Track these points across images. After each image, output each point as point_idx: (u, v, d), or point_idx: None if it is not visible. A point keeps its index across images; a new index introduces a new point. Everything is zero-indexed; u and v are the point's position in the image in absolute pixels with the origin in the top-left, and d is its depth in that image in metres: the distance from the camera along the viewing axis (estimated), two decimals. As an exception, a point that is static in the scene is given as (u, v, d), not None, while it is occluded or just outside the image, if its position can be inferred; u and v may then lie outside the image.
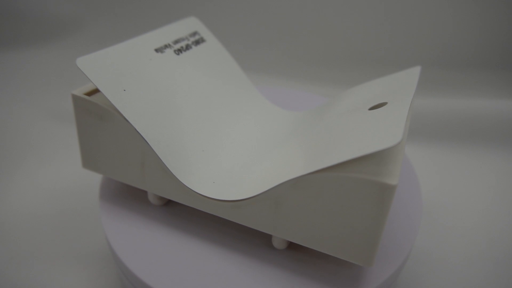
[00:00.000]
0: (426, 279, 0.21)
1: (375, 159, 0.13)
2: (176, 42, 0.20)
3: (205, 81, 0.20)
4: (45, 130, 0.33)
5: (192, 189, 0.15)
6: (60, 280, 0.21)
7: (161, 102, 0.17)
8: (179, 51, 0.20)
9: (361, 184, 0.12)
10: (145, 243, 0.16)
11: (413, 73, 0.17)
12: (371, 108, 0.15)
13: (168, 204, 0.18)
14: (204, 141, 0.17)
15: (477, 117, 0.34)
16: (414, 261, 0.22)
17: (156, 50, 0.19)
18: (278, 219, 0.14)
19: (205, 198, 0.15)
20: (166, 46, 0.19)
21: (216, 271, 0.15)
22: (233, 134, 0.19)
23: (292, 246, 0.16)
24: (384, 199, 0.12)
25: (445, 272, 0.22)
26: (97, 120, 0.16)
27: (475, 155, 0.32)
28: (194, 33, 0.21)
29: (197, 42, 0.21)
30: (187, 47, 0.20)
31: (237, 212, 0.15)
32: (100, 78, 0.15)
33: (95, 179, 0.27)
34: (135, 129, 0.15)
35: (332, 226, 0.13)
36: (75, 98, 0.16)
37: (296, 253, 0.16)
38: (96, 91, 0.17)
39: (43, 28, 0.48)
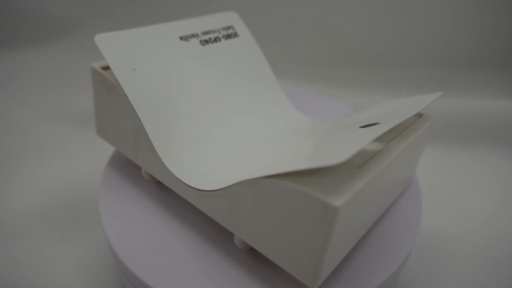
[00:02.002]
0: (426, 279, 0.21)
1: (343, 175, 0.12)
2: (205, 33, 0.20)
3: (223, 74, 0.20)
4: (45, 130, 0.33)
5: (171, 171, 0.16)
6: (60, 280, 0.21)
7: (168, 87, 0.17)
8: (205, 42, 0.20)
9: (305, 198, 0.11)
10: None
11: (428, 98, 0.16)
12: (362, 127, 0.14)
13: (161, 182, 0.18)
14: (202, 131, 0.18)
15: (477, 117, 0.34)
16: (414, 261, 0.22)
17: (181, 38, 0.19)
18: (236, 217, 0.14)
19: (180, 182, 0.16)
20: (192, 36, 0.19)
21: (185, 265, 0.15)
22: (236, 129, 0.19)
23: None
24: (326, 220, 0.11)
25: (445, 272, 0.22)
26: (106, 93, 0.18)
27: (475, 155, 0.32)
28: (228, 27, 0.21)
29: (228, 36, 0.20)
30: (216, 40, 0.20)
31: (203, 202, 0.15)
32: (112, 55, 0.17)
33: (95, 179, 0.27)
34: (132, 105, 0.16)
35: (280, 236, 0.13)
36: (93, 70, 0.18)
37: None
38: None
39: (43, 28, 0.48)
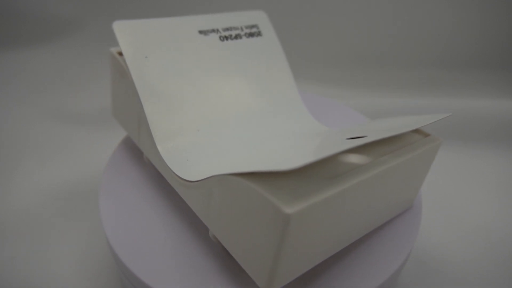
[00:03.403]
0: (426, 279, 0.21)
1: (314, 183, 0.12)
2: (226, 29, 0.20)
3: (237, 71, 0.19)
4: (45, 130, 0.33)
5: (163, 157, 0.16)
6: (60, 280, 0.21)
7: (177, 77, 0.18)
8: (225, 38, 0.19)
9: (262, 200, 0.11)
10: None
11: (432, 118, 0.15)
12: (349, 138, 0.14)
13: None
14: (204, 124, 0.18)
15: (477, 117, 0.34)
16: (414, 261, 0.22)
17: (200, 32, 0.19)
18: (209, 209, 0.14)
19: (168, 169, 0.16)
20: (213, 31, 0.19)
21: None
22: (240, 126, 0.18)
23: None
24: (279, 226, 0.11)
25: (445, 273, 0.22)
26: (119, 77, 0.18)
27: (475, 155, 0.32)
28: (253, 26, 0.21)
29: (250, 35, 0.20)
30: (236, 37, 0.20)
31: (186, 193, 0.15)
32: (126, 41, 0.17)
33: (95, 179, 0.27)
34: (136, 90, 0.17)
35: (241, 235, 0.13)
36: (111, 54, 0.19)
37: None
38: None
39: (43, 28, 0.48)
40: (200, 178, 0.14)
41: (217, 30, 0.19)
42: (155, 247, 0.16)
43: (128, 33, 0.17)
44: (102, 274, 0.21)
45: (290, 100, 0.21)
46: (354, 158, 0.14)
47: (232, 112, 0.19)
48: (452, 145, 0.33)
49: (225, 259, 0.15)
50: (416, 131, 0.16)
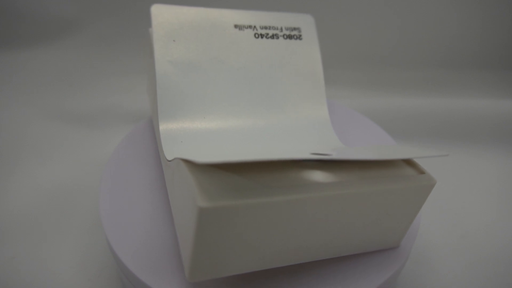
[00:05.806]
0: (426, 279, 0.21)
1: (256, 187, 0.11)
2: (264, 27, 0.20)
3: (263, 70, 0.19)
4: (45, 130, 0.33)
5: (160, 134, 0.17)
6: (60, 280, 0.21)
7: (199, 64, 0.18)
8: (260, 35, 0.19)
9: (191, 190, 0.11)
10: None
11: (425, 152, 0.14)
12: (313, 153, 0.13)
13: None
14: (212, 112, 0.18)
15: (477, 117, 0.34)
16: (414, 261, 0.22)
17: (236, 26, 0.19)
18: (172, 190, 0.14)
19: (161, 148, 0.17)
20: (249, 26, 0.19)
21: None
22: (250, 122, 0.18)
23: None
24: (194, 216, 0.10)
25: (445, 273, 0.22)
26: (149, 55, 0.20)
27: (475, 155, 0.32)
28: (294, 28, 0.20)
29: (289, 37, 0.20)
30: (273, 36, 0.20)
31: (166, 171, 0.16)
32: (158, 23, 0.18)
33: (95, 178, 0.27)
34: (155, 71, 0.18)
35: (181, 221, 0.12)
36: (149, 34, 0.20)
37: None
38: None
39: (43, 28, 0.48)
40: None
41: (254, 27, 0.19)
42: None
43: (162, 16, 0.18)
44: (102, 274, 0.21)
45: (314, 111, 0.20)
46: (317, 175, 0.13)
47: (243, 108, 0.19)
48: (451, 145, 0.33)
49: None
50: (412, 166, 0.15)
